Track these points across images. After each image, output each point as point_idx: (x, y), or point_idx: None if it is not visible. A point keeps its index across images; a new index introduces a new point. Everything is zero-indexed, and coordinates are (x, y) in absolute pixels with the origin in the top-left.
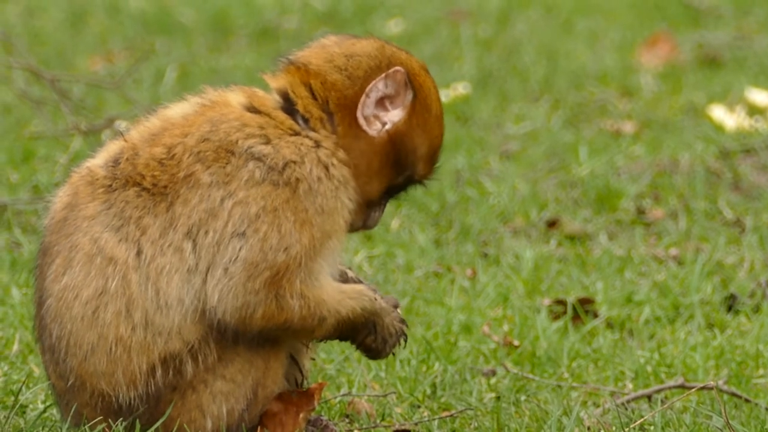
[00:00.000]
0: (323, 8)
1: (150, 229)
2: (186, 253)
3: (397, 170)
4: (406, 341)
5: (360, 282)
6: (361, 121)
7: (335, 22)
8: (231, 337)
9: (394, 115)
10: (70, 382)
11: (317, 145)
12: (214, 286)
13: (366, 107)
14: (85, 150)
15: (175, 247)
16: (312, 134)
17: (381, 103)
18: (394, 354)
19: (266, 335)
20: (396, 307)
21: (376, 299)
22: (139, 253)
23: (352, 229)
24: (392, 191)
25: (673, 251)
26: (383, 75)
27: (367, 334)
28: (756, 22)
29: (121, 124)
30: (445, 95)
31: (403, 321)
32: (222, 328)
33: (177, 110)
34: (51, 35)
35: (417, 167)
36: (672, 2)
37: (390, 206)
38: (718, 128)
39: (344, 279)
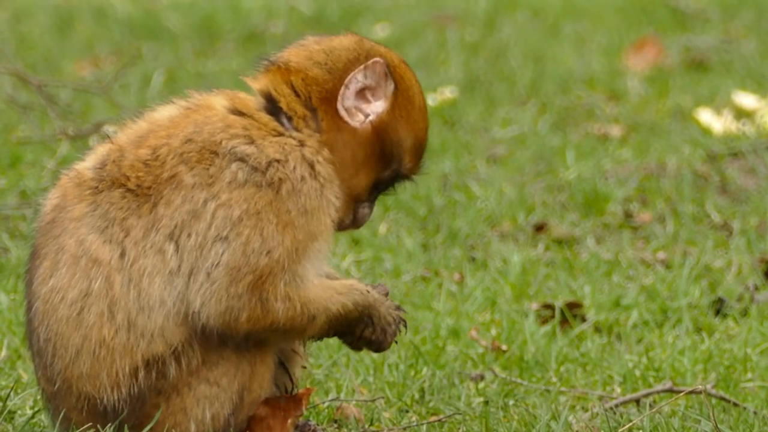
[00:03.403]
0: (310, 12)
1: (133, 231)
2: (168, 255)
3: (383, 163)
4: (406, 327)
5: None
6: (342, 112)
7: (322, 26)
8: (216, 341)
9: (377, 107)
10: (57, 386)
11: (301, 144)
12: (197, 291)
13: (346, 99)
14: (73, 155)
15: (157, 248)
16: (295, 134)
17: (362, 94)
18: (396, 342)
19: (254, 338)
20: (386, 294)
21: (368, 291)
22: (122, 254)
23: (341, 227)
24: (380, 186)
25: (661, 255)
26: (362, 66)
27: (364, 328)
28: (743, 25)
29: (109, 129)
30: (432, 99)
31: (398, 307)
32: (207, 332)
33: (163, 113)
34: (38, 40)
35: (403, 161)
36: (659, 6)
37: (377, 210)
38: (705, 132)
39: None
